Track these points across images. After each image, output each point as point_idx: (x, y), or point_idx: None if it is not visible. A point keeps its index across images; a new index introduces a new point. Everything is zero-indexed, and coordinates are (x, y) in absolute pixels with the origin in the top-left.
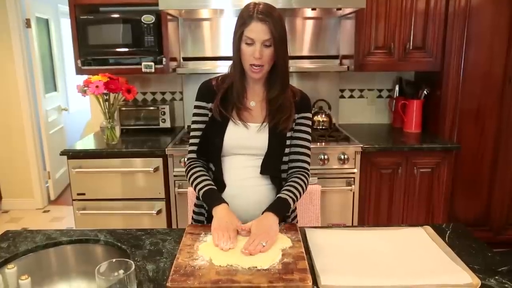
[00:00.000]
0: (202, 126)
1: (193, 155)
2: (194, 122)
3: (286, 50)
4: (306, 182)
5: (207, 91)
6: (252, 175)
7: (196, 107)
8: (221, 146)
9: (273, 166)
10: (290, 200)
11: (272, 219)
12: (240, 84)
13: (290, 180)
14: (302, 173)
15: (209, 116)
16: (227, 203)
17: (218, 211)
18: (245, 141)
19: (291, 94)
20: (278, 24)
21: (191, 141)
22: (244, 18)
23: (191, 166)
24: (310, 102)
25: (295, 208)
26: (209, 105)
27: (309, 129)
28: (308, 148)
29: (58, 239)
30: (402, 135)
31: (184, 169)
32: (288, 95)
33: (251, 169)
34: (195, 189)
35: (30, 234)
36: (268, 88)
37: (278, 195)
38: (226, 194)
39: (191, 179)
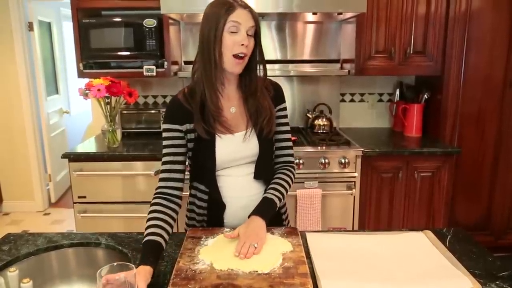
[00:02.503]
0: (173, 150)
1: (161, 184)
2: (164, 146)
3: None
4: (292, 176)
5: (178, 111)
6: (247, 183)
7: (165, 130)
8: (214, 167)
9: (266, 169)
10: (277, 200)
11: (259, 222)
12: (217, 86)
13: (276, 177)
14: (287, 167)
15: (188, 138)
16: (150, 265)
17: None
18: (237, 153)
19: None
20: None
21: (161, 168)
22: (226, 7)
23: (152, 202)
24: (282, 90)
25: (286, 209)
26: (183, 127)
27: (286, 120)
28: (289, 140)
29: (59, 242)
30: (402, 139)
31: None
32: (265, 93)
33: (244, 178)
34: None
35: (32, 237)
36: (244, 87)
37: (264, 195)
38: (228, 213)
39: (147, 217)
